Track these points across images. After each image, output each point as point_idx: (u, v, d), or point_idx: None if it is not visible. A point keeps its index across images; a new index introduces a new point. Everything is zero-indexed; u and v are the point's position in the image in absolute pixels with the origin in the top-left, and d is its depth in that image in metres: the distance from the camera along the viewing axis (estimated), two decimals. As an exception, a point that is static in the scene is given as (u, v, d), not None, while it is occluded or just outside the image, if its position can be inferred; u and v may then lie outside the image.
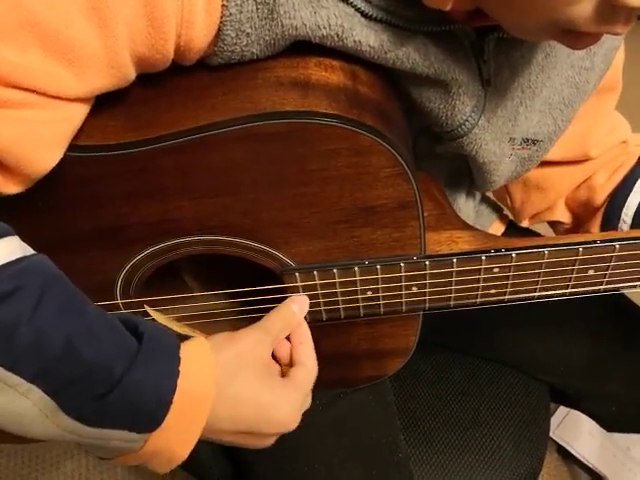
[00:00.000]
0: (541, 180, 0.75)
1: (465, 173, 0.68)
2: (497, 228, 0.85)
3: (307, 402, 0.55)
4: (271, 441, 0.53)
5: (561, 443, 1.26)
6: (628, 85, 0.75)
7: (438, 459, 0.79)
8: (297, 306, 0.57)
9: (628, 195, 0.71)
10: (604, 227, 0.73)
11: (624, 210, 0.71)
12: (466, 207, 0.74)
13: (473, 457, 0.79)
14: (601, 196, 0.74)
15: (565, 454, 1.28)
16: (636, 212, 0.70)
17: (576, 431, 1.25)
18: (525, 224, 0.82)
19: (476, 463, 0.79)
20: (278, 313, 0.56)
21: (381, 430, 0.71)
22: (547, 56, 0.58)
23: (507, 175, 0.66)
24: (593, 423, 1.02)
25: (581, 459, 1.24)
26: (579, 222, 0.78)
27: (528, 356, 0.84)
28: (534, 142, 0.64)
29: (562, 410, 1.28)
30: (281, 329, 0.55)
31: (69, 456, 1.12)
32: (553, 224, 0.83)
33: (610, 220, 0.72)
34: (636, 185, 0.71)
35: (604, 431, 1.21)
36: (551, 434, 1.19)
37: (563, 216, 0.79)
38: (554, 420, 1.26)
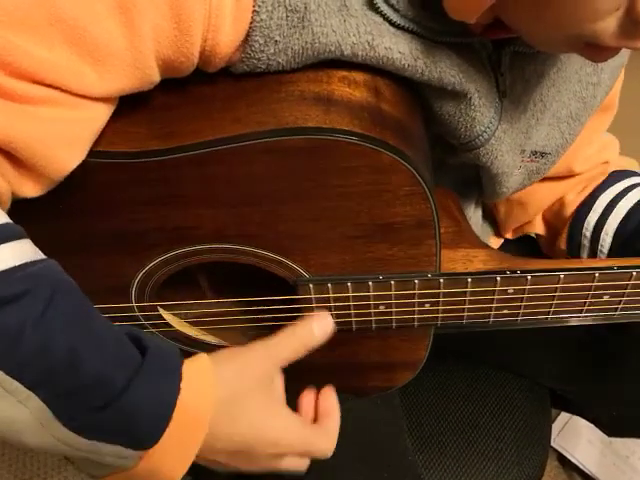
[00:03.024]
0: (523, 195, 0.74)
1: (473, 183, 0.69)
2: (496, 240, 0.85)
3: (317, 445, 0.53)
4: (263, 464, 0.50)
5: (561, 451, 1.26)
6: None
7: (440, 464, 0.79)
8: (317, 326, 0.53)
9: (588, 213, 0.73)
10: (569, 241, 0.75)
11: (585, 225, 0.73)
12: (475, 216, 0.75)
13: (475, 462, 0.80)
14: (569, 210, 0.75)
15: (565, 462, 1.28)
16: (594, 229, 0.72)
17: (576, 439, 1.25)
18: (509, 236, 0.83)
19: (478, 468, 0.79)
20: (294, 331, 0.52)
21: (390, 433, 0.71)
22: (558, 70, 0.59)
23: (515, 187, 0.67)
24: (593, 431, 1.01)
25: (581, 467, 1.24)
26: (554, 234, 0.79)
27: (528, 361, 0.84)
28: (542, 155, 0.64)
29: (562, 418, 1.28)
30: (294, 349, 0.52)
31: (71, 461, 1.12)
32: (536, 235, 0.83)
33: (573, 236, 0.74)
34: (596, 204, 0.72)
35: (604, 439, 1.22)
36: (551, 442, 1.19)
37: (540, 229, 0.80)
38: (554, 428, 1.26)
